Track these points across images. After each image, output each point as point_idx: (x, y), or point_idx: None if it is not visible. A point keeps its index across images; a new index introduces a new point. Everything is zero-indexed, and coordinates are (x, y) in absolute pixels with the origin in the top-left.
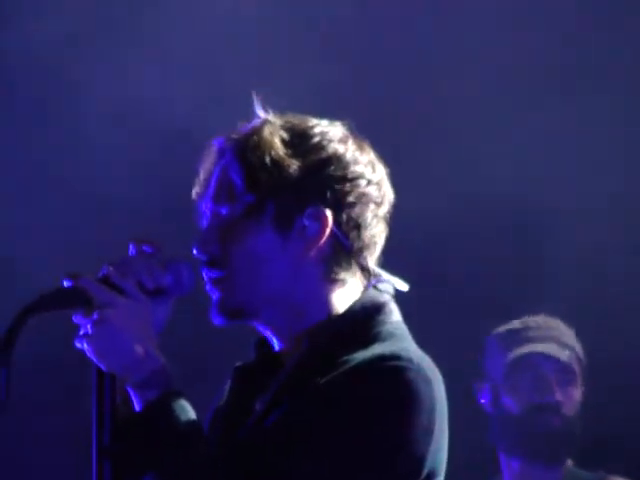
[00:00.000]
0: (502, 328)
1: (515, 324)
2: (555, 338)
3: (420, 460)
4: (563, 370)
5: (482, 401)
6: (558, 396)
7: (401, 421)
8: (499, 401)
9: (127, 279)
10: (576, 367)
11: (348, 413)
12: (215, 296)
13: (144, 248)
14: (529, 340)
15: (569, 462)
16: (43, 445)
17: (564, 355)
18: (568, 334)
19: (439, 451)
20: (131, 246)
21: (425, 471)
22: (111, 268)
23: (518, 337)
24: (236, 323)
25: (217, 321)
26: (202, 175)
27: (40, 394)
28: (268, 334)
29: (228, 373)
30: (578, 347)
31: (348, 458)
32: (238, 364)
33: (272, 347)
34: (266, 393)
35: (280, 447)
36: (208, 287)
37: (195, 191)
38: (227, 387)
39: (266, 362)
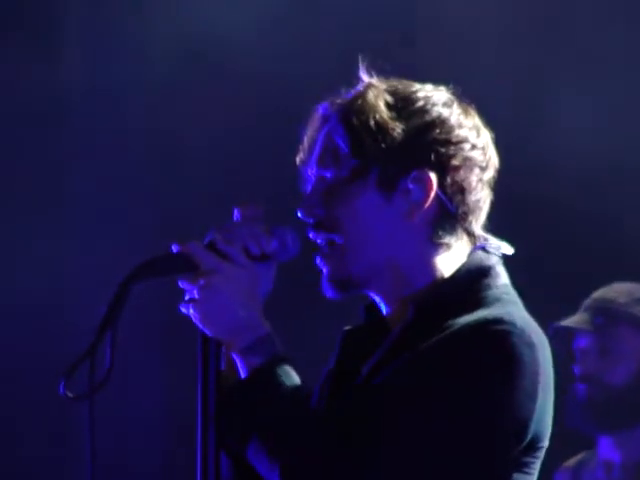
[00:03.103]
0: None
1: None
2: (592, 307)
3: (523, 424)
4: (595, 340)
5: None
6: (588, 367)
7: (502, 385)
8: None
9: (233, 245)
10: (616, 334)
11: (449, 376)
12: (325, 269)
13: (248, 212)
14: (573, 311)
15: None
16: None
17: (590, 325)
18: (621, 300)
19: (543, 416)
20: (235, 210)
21: (529, 436)
22: (217, 234)
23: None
24: (348, 295)
25: (329, 294)
26: (306, 141)
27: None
28: (377, 299)
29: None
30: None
31: (446, 421)
32: (347, 327)
33: (381, 311)
34: (372, 357)
35: (380, 407)
36: (318, 260)
37: (299, 157)
38: (336, 351)
39: (374, 326)
